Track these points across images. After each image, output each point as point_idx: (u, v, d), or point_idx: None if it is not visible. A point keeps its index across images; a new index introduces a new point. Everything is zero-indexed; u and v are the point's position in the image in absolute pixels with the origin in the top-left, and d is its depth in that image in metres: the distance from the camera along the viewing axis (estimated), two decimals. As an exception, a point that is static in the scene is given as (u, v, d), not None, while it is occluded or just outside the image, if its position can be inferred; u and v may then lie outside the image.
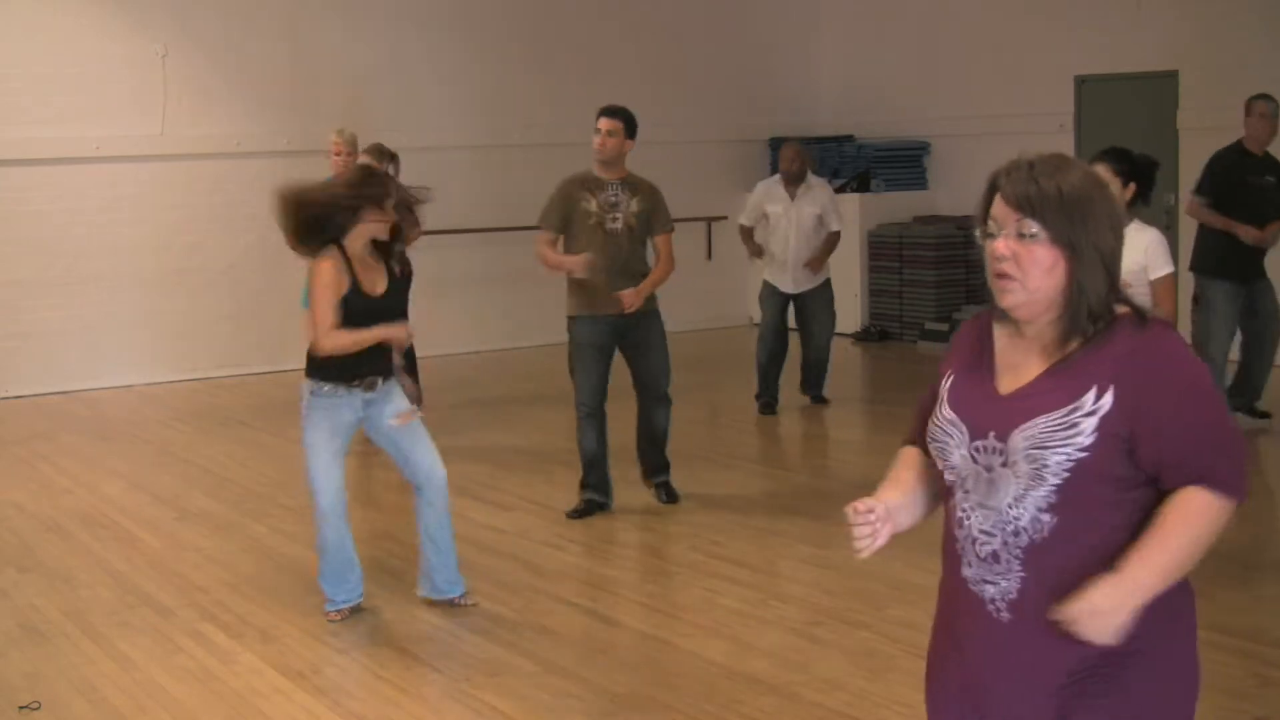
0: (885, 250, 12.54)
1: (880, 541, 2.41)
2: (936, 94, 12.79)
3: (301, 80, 11.40)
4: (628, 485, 7.45)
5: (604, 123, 6.78)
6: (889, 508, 2.44)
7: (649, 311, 6.88)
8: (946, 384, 2.46)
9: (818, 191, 9.32)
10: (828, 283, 9.40)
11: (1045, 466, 2.25)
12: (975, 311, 2.60)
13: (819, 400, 9.61)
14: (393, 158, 8.53)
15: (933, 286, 12.17)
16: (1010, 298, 2.30)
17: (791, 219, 9.25)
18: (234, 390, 10.68)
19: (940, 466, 2.43)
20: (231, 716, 4.56)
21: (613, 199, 6.83)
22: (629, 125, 6.81)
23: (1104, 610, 2.21)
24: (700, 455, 8.04)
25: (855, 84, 13.63)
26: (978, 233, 2.37)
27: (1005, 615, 2.34)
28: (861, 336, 12.51)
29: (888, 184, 12.84)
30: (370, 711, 4.59)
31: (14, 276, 10.47)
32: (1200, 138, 10.66)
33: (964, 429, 2.37)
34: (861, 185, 12.80)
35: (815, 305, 9.39)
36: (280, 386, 10.78)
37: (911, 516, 2.53)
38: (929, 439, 2.45)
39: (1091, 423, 2.24)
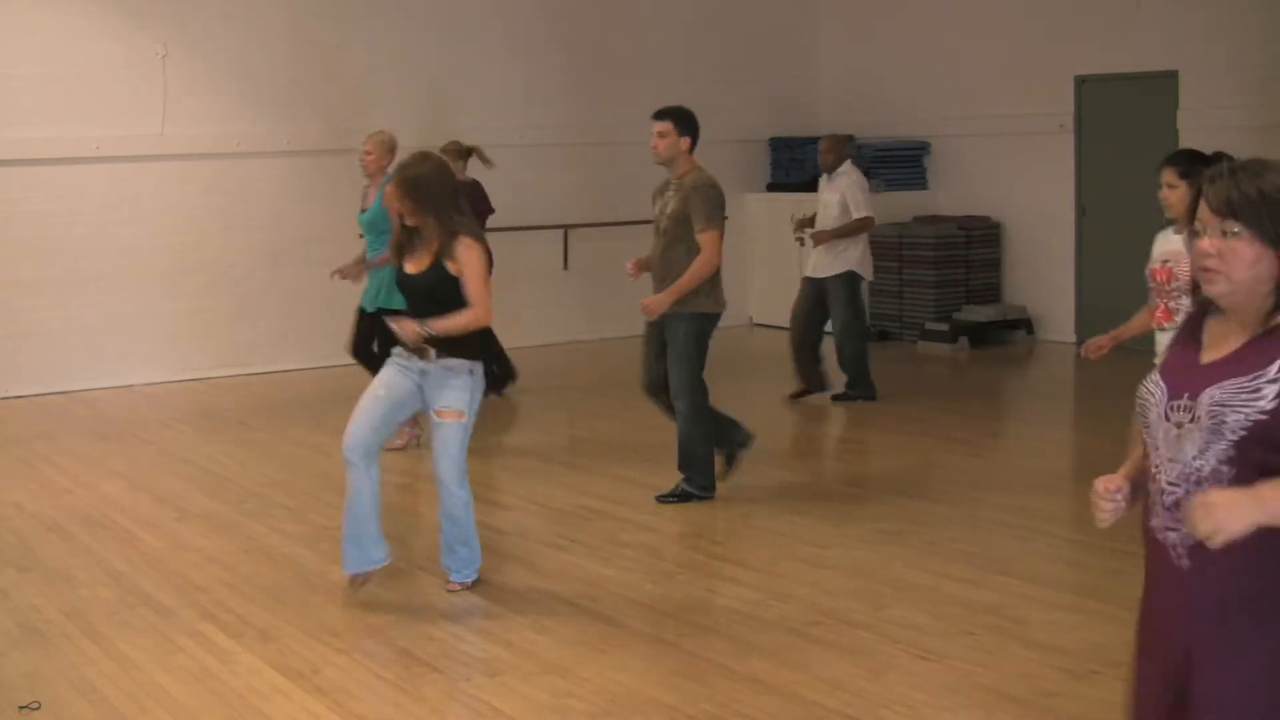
0: (885, 250, 12.51)
1: (1121, 514, 2.73)
2: (936, 94, 12.79)
3: (301, 80, 11.40)
4: (628, 485, 7.46)
5: (655, 125, 6.94)
6: (1131, 484, 2.74)
7: (675, 315, 6.87)
8: (1163, 359, 2.77)
9: (841, 180, 9.61)
10: (845, 276, 9.56)
11: (1224, 423, 2.50)
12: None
13: (837, 396, 9.68)
14: (466, 154, 9.53)
15: (932, 286, 12.17)
16: (1215, 287, 2.56)
17: (820, 205, 9.70)
18: (234, 390, 10.68)
19: (1141, 425, 2.70)
20: (231, 716, 4.56)
21: (666, 200, 6.98)
22: (680, 123, 6.91)
23: (1217, 505, 2.38)
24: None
25: (855, 84, 13.63)
26: (1185, 234, 2.68)
27: (1185, 561, 2.56)
28: (861, 336, 12.52)
29: (888, 184, 12.83)
30: (370, 711, 4.59)
31: (14, 276, 10.47)
32: (1200, 138, 10.67)
33: (1164, 390, 2.64)
34: (862, 185, 12.80)
35: (830, 296, 9.62)
36: (280, 386, 10.79)
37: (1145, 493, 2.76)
38: (1137, 402, 2.72)
39: (1274, 390, 2.48)
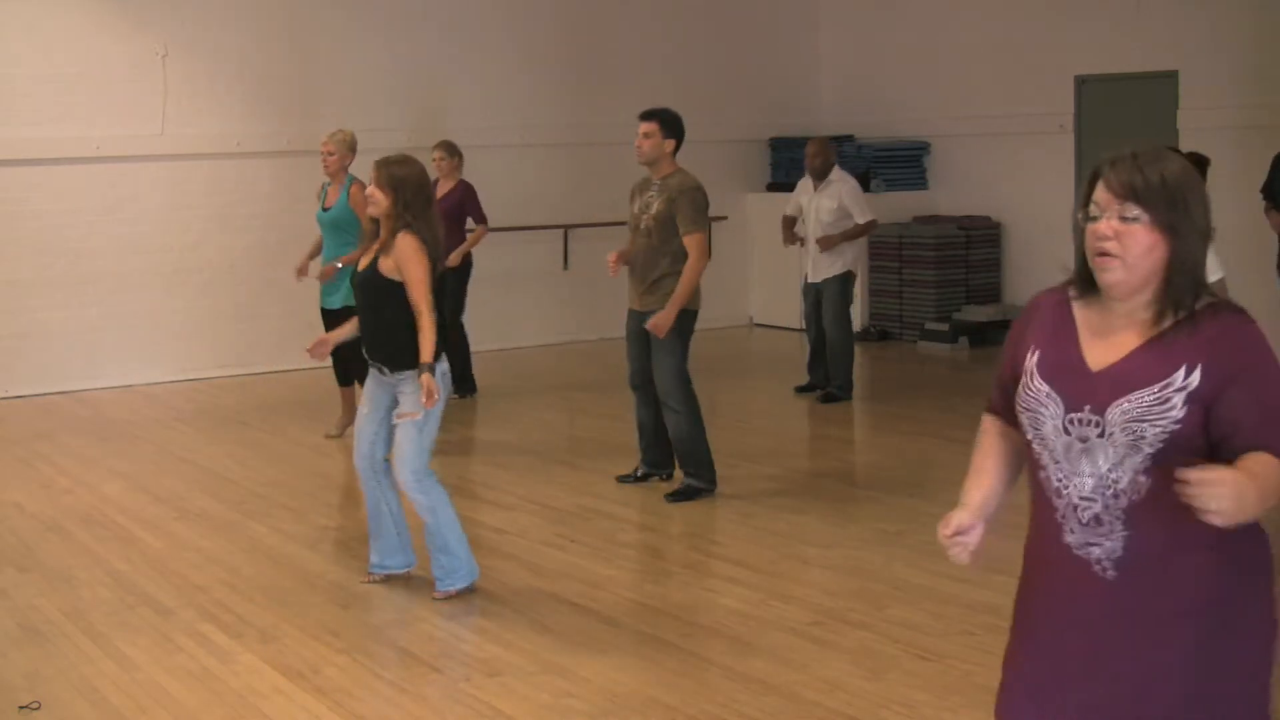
0: (885, 250, 12.54)
1: (974, 545, 2.66)
2: (936, 94, 12.79)
3: (301, 80, 11.40)
4: (628, 485, 7.45)
5: (640, 126, 7.00)
6: (979, 508, 2.71)
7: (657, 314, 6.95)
8: (1033, 357, 2.62)
9: (838, 185, 9.73)
10: (844, 276, 9.72)
11: (1142, 438, 2.45)
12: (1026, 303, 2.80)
13: (827, 397, 9.70)
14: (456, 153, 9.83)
15: (932, 286, 12.17)
16: (1111, 275, 2.50)
17: (811, 211, 9.75)
18: (234, 390, 10.68)
19: (1029, 436, 2.61)
20: (231, 716, 4.56)
21: (648, 200, 7.01)
22: (665, 125, 6.98)
23: (1226, 484, 2.27)
24: (700, 455, 8.04)
25: (855, 84, 13.63)
26: (1079, 216, 2.57)
27: (1111, 573, 2.51)
28: (861, 336, 12.50)
29: (888, 184, 12.83)
30: (370, 711, 4.59)
31: (14, 276, 10.47)
32: (1200, 138, 10.67)
33: (1059, 402, 2.55)
34: (861, 185, 12.77)
35: (826, 296, 9.73)
36: (281, 386, 10.79)
37: (998, 500, 2.75)
38: (1019, 408, 2.63)
39: (1181, 398, 2.44)
